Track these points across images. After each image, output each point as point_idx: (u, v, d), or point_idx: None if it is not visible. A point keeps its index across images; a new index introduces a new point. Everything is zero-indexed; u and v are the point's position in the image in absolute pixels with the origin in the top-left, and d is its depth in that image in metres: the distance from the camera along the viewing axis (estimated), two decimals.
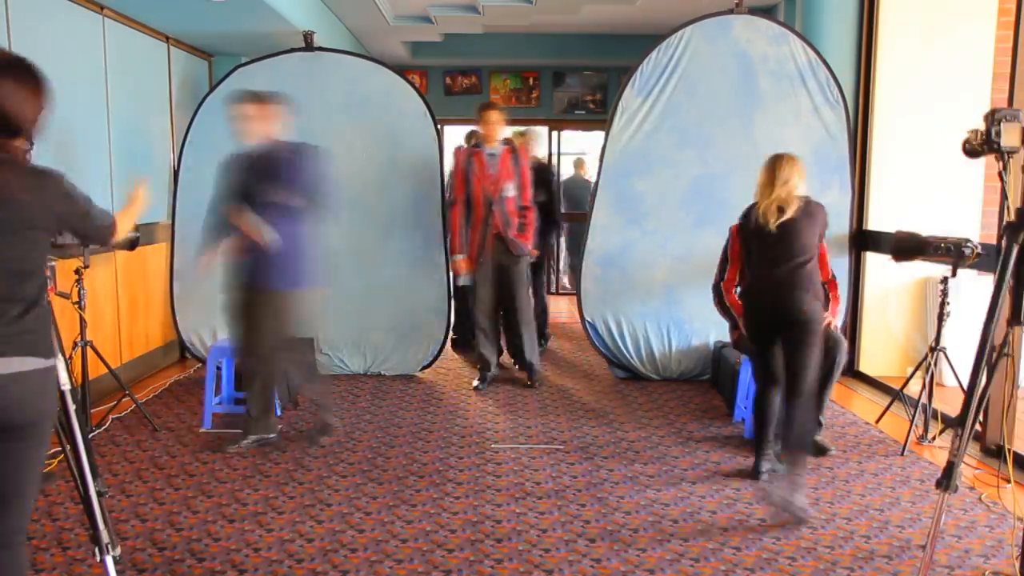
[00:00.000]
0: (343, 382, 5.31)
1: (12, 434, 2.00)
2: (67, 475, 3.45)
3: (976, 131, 3.25)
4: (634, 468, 3.80)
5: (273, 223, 3.75)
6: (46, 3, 4.33)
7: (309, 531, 3.10)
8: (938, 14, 5.24)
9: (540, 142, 8.94)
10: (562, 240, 8.96)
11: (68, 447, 2.42)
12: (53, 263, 2.56)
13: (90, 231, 2.24)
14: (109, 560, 2.38)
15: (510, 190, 4.96)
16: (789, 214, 3.45)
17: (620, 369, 5.46)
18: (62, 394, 2.34)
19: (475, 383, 5.24)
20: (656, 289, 5.30)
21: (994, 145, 3.13)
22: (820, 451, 3.97)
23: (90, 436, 3.89)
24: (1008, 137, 3.09)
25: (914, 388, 4.39)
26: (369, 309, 5.42)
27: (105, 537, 2.38)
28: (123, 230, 2.33)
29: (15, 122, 1.98)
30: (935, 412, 4.14)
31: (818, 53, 5.14)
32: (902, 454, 3.99)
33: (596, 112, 9.43)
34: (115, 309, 5.09)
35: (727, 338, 4.89)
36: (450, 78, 9.48)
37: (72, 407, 2.37)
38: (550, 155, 9.53)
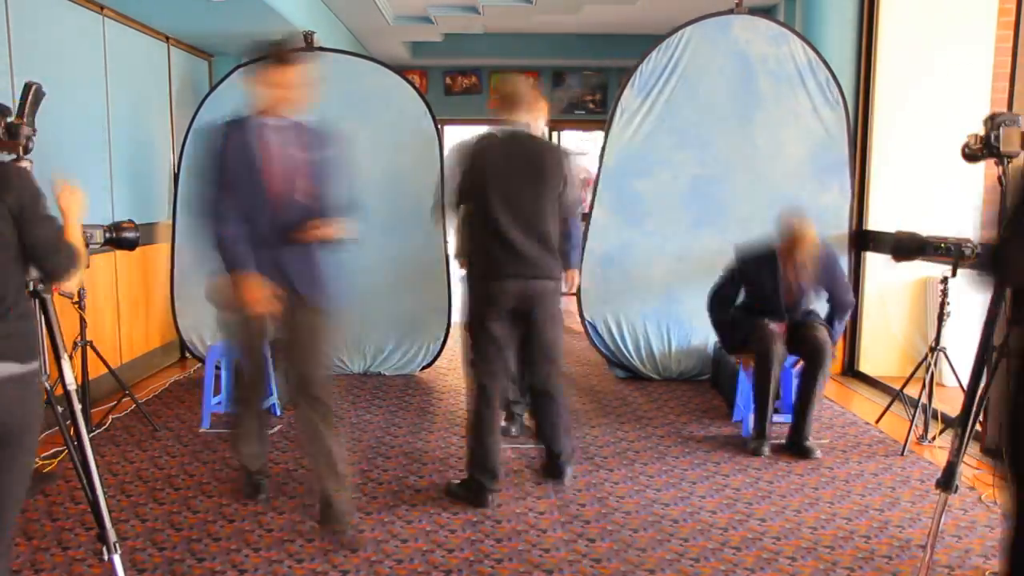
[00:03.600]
0: (343, 382, 5.32)
1: None
2: (67, 475, 3.46)
3: (975, 135, 3.25)
4: (634, 468, 3.80)
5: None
6: (46, 3, 4.33)
7: (309, 531, 3.10)
8: (938, 14, 5.24)
9: None
10: None
11: (74, 444, 2.42)
12: None
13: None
14: (117, 559, 2.40)
15: None
16: None
17: (620, 369, 5.46)
18: (67, 393, 2.35)
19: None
20: (656, 289, 5.30)
21: (994, 150, 3.14)
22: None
23: (90, 436, 3.88)
24: (1008, 142, 3.09)
25: (914, 388, 4.39)
26: (369, 309, 5.41)
27: (113, 536, 2.39)
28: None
29: None
30: (935, 412, 4.14)
31: (818, 53, 5.14)
32: (902, 454, 3.99)
33: (596, 112, 9.43)
34: (115, 309, 5.08)
35: None
36: (450, 78, 9.48)
37: (78, 405, 2.37)
38: None
